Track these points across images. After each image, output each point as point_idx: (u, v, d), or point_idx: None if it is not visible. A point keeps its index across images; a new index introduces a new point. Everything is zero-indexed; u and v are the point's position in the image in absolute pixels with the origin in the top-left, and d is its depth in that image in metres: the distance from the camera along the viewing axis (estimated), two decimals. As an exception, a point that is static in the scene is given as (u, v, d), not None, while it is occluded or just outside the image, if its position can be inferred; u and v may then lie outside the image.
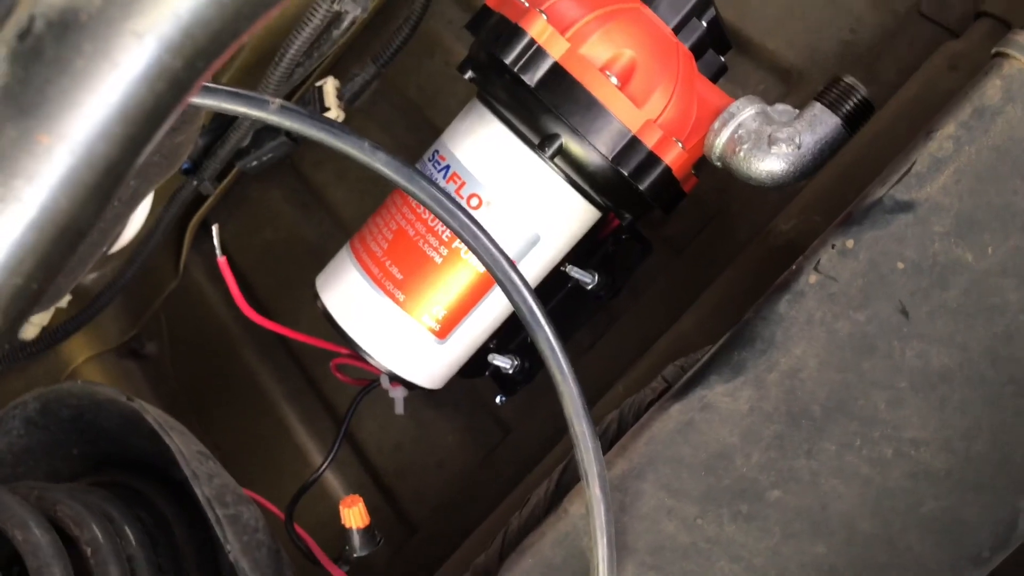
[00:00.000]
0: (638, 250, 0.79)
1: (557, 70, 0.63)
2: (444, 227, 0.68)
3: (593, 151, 0.64)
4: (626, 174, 0.64)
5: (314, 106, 0.86)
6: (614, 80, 0.64)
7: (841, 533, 0.49)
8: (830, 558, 0.49)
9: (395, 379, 0.75)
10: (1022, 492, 0.46)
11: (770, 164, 0.62)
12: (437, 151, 0.70)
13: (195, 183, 0.89)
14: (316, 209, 1.00)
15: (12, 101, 0.22)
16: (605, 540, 0.51)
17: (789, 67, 0.80)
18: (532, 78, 0.64)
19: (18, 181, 0.22)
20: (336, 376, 0.80)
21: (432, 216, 0.68)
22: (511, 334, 0.78)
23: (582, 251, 0.76)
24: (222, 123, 0.88)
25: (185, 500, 0.81)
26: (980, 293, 0.48)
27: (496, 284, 0.54)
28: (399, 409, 0.79)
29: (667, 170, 0.64)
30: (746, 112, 0.63)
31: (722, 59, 0.73)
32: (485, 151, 0.68)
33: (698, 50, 0.70)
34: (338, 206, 0.98)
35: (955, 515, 0.47)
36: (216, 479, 0.72)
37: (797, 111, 0.64)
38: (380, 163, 0.47)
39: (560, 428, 0.59)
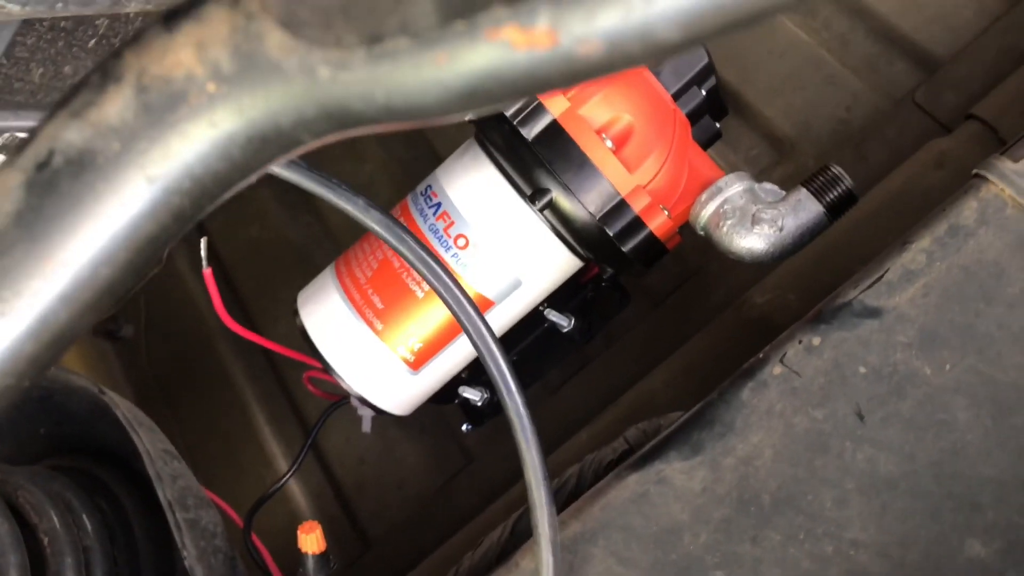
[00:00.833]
0: (617, 300, 0.80)
1: (554, 127, 0.65)
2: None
3: (581, 209, 0.65)
4: (611, 234, 0.66)
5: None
6: (609, 143, 0.65)
7: (776, 621, 0.51)
8: (763, 644, 0.51)
9: (365, 401, 0.76)
10: (950, 606, 0.48)
11: (751, 242, 0.63)
12: (430, 186, 0.72)
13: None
14: (304, 212, 1.01)
15: (24, 227, 0.23)
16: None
17: (783, 136, 0.81)
18: (530, 132, 0.65)
19: (21, 299, 0.24)
20: (309, 389, 0.82)
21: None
22: (482, 369, 0.80)
23: (562, 294, 0.77)
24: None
25: (146, 493, 0.82)
26: (933, 407, 0.50)
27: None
28: (366, 427, 0.80)
29: (651, 235, 0.66)
30: (734, 188, 0.65)
31: (717, 125, 0.74)
32: (477, 194, 0.69)
33: (695, 116, 0.72)
34: (326, 211, 0.99)
35: (885, 619, 0.49)
36: (180, 480, 0.73)
37: (783, 193, 0.65)
38: (373, 221, 0.48)
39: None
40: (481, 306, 0.68)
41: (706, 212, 0.65)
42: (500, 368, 0.52)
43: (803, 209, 0.64)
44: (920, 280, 0.52)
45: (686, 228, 0.72)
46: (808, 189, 0.64)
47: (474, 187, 0.69)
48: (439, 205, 0.70)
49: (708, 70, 0.70)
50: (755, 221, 0.64)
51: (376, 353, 0.71)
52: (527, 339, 0.81)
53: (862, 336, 0.53)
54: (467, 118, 0.72)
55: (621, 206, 0.65)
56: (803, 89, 0.82)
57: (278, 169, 0.45)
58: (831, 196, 0.63)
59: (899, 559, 0.49)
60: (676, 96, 0.70)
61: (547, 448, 0.69)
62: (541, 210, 0.67)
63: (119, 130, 0.22)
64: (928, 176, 0.67)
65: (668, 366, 0.72)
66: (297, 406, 0.95)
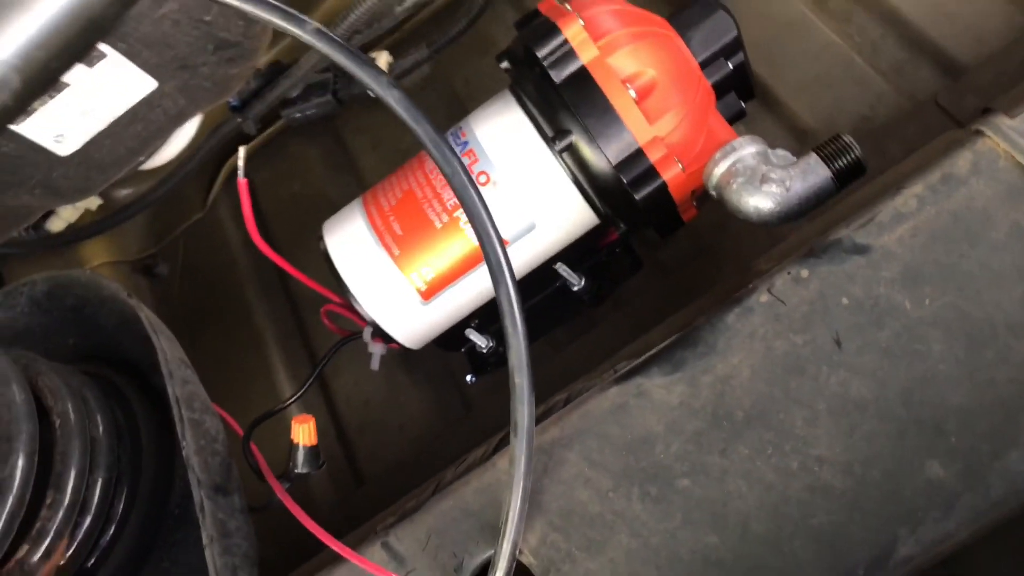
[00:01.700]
0: (629, 265, 0.83)
1: (582, 73, 0.68)
2: (449, 195, 0.73)
3: (600, 154, 0.69)
4: (625, 182, 0.68)
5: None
6: (633, 93, 0.68)
7: (736, 529, 0.52)
8: (720, 551, 0.52)
9: (376, 334, 0.79)
10: (904, 523, 0.49)
11: (758, 200, 0.66)
12: (460, 128, 0.76)
13: (239, 120, 0.95)
14: (346, 172, 1.05)
15: None
16: (520, 493, 0.54)
17: (806, 129, 0.84)
18: (559, 75, 0.69)
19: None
20: (325, 323, 0.85)
21: (441, 183, 0.73)
22: (493, 318, 0.82)
23: (576, 256, 0.80)
24: (276, 71, 0.94)
25: (159, 407, 0.85)
26: (909, 338, 0.52)
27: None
28: (375, 365, 0.83)
29: (663, 186, 0.69)
30: (747, 149, 0.67)
31: (742, 104, 0.77)
32: (502, 134, 0.73)
33: (721, 89, 0.75)
34: (367, 172, 1.04)
35: (841, 531, 0.50)
36: (189, 385, 0.76)
37: (795, 159, 0.68)
38: (392, 99, 0.51)
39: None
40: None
41: (719, 170, 0.68)
42: (501, 263, 0.54)
43: (812, 173, 0.66)
44: (910, 222, 0.54)
45: (705, 205, 0.75)
46: (819, 155, 0.66)
47: (500, 128, 0.73)
48: (466, 143, 0.74)
49: (736, 44, 0.74)
50: (764, 180, 0.66)
51: (391, 278, 0.74)
52: (538, 296, 0.83)
53: (848, 270, 0.55)
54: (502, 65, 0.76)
55: (638, 154, 0.68)
56: (831, 87, 0.85)
57: (310, 37, 0.49)
58: (840, 163, 0.65)
59: (861, 476, 0.50)
60: (703, 65, 0.73)
61: (545, 394, 0.71)
62: (561, 152, 0.70)
63: None
64: (939, 159, 0.69)
65: (667, 325, 0.74)
66: (313, 349, 0.98)
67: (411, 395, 0.90)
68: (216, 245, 1.09)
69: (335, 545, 0.60)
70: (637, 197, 0.69)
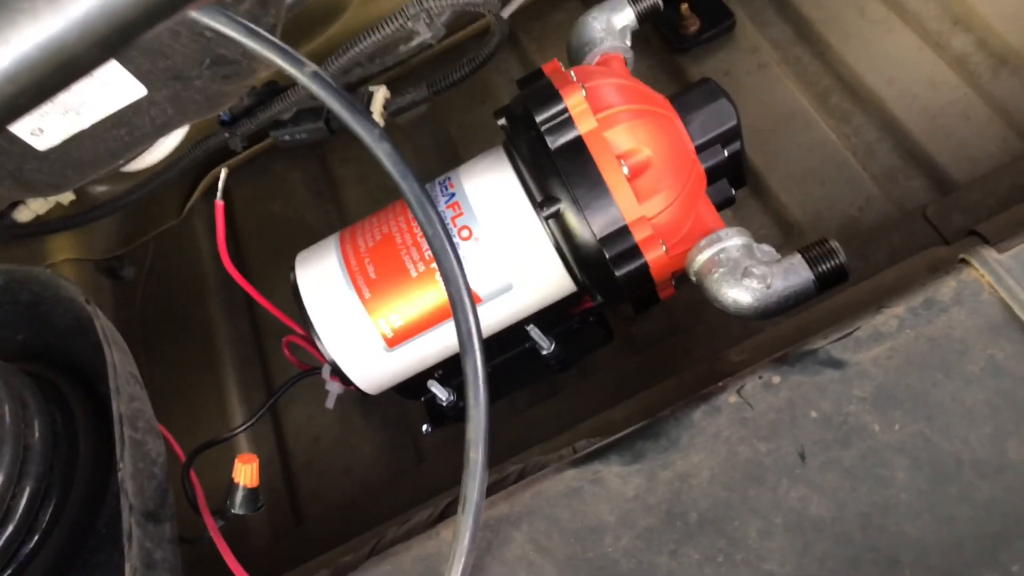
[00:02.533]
0: (600, 335, 0.82)
1: (578, 143, 0.68)
2: (428, 246, 0.71)
3: (585, 225, 0.68)
4: (608, 256, 0.68)
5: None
6: (626, 170, 0.68)
7: (675, 637, 0.50)
8: (657, 657, 0.50)
9: (336, 373, 0.77)
10: (849, 654, 0.48)
11: (737, 293, 0.65)
12: (450, 178, 0.74)
13: (226, 135, 0.93)
14: (328, 200, 1.04)
15: None
16: (460, 570, 0.53)
17: (793, 222, 0.84)
18: (555, 142, 0.68)
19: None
20: (285, 354, 0.83)
21: (421, 232, 0.72)
22: (456, 371, 0.81)
23: (548, 319, 0.79)
24: (271, 91, 0.92)
25: (102, 417, 0.82)
26: (874, 462, 0.51)
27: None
28: (330, 403, 0.81)
29: (645, 266, 0.68)
30: (733, 241, 0.67)
31: (733, 191, 0.77)
32: (491, 192, 0.72)
33: (713, 175, 0.75)
34: (349, 204, 1.02)
35: (782, 654, 0.48)
36: (136, 403, 0.73)
37: (780, 256, 0.67)
38: (382, 153, 0.50)
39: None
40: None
41: (702, 257, 0.67)
42: (471, 334, 0.53)
43: (794, 273, 0.65)
44: (887, 343, 0.54)
45: (683, 286, 0.74)
46: (803, 256, 0.66)
47: (489, 185, 0.72)
48: (453, 195, 0.73)
49: (734, 132, 0.74)
50: (746, 274, 0.65)
51: (358, 321, 0.73)
52: (505, 354, 0.82)
53: (820, 383, 0.54)
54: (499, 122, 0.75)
55: (623, 232, 0.68)
56: (822, 184, 0.85)
57: (307, 80, 0.48)
58: (824, 267, 0.65)
59: (810, 599, 0.49)
60: (699, 149, 0.73)
61: (498, 459, 0.69)
62: (547, 218, 0.69)
63: None
64: (920, 277, 0.69)
65: (631, 403, 0.73)
66: (270, 377, 0.96)
67: (363, 438, 0.88)
68: (186, 255, 1.07)
69: (262, 597, 0.58)
70: (617, 273, 0.68)
